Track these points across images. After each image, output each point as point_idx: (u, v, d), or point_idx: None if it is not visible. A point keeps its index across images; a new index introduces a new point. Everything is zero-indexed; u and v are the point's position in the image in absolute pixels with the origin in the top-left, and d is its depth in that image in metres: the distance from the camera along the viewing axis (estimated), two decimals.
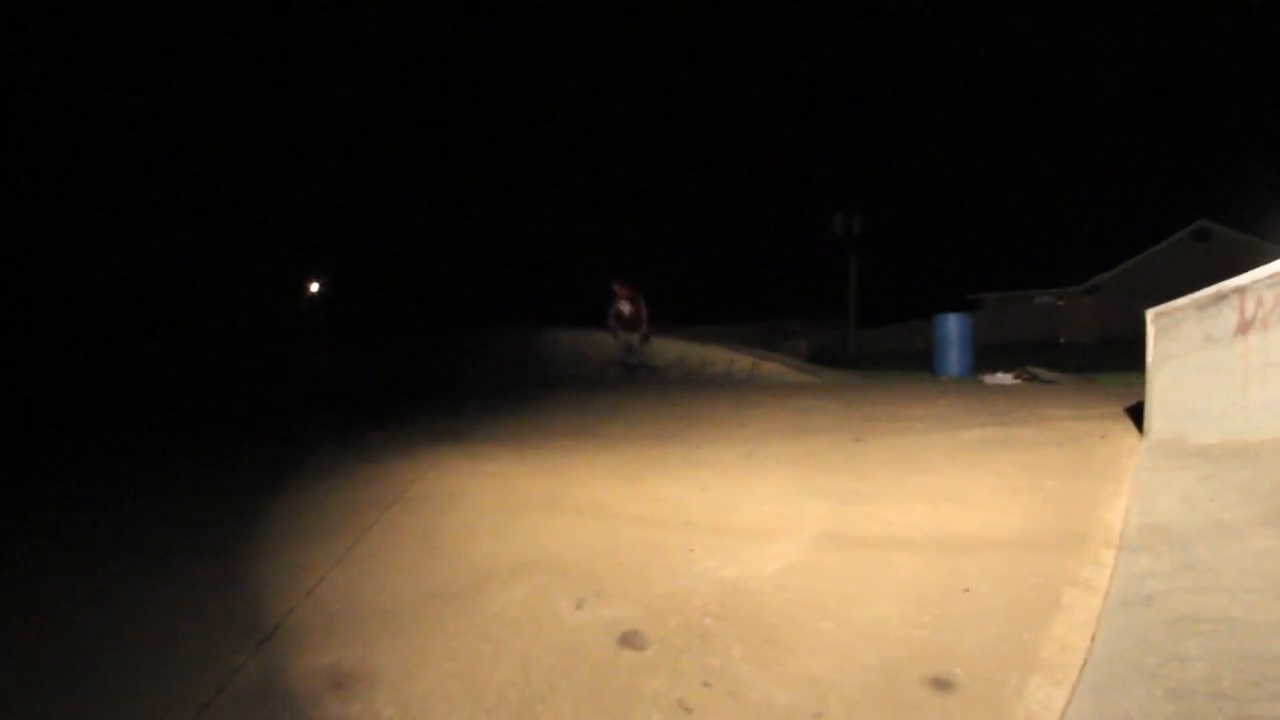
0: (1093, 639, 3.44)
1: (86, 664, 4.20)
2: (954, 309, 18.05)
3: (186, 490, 7.88)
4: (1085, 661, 3.27)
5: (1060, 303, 39.47)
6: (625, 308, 17.75)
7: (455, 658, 3.99)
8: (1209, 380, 6.70)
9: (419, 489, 7.10)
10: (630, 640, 3.96)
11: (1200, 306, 6.90)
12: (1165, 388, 6.98)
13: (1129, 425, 7.23)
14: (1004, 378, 13.86)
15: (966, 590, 4.08)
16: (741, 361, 16.89)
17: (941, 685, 3.24)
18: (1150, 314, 7.14)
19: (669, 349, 18.76)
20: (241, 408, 15.92)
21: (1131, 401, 7.70)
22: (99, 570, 5.58)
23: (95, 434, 12.63)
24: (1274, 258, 6.48)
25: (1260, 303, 6.50)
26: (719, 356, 17.49)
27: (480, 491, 6.95)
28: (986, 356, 18.39)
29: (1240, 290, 6.63)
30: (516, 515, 6.19)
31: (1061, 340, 36.72)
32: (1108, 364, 16.34)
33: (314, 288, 38.32)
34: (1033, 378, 13.64)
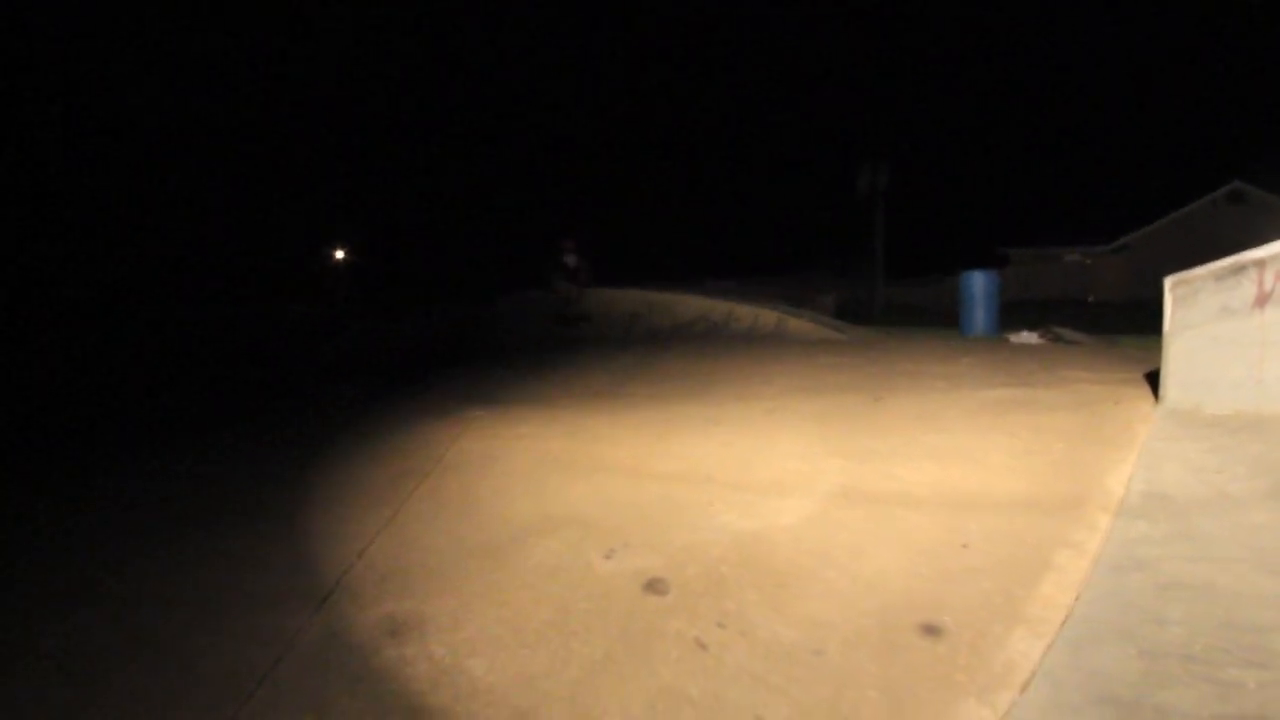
0: (1077, 598, 3.69)
1: (162, 633, 4.48)
2: (982, 265, 18.01)
3: (232, 466, 8.17)
4: (1067, 618, 3.52)
5: (1089, 261, 38.92)
6: (570, 260, 19.23)
7: (498, 604, 4.35)
8: (1225, 351, 6.83)
9: (456, 454, 7.44)
10: (654, 586, 4.30)
11: (1218, 277, 7.00)
12: (1181, 357, 7.11)
13: (1146, 391, 7.41)
14: (1029, 337, 13.97)
15: (965, 546, 4.36)
16: (766, 317, 16.95)
17: (931, 631, 3.54)
18: (1168, 282, 7.24)
19: (692, 305, 18.96)
20: (276, 380, 16.27)
21: (1151, 367, 7.82)
22: (158, 546, 5.87)
23: (129, 413, 12.92)
24: None
25: (1273, 275, 6.62)
26: (744, 313, 17.56)
27: (514, 454, 7.27)
28: (1014, 314, 18.41)
29: (1259, 263, 6.72)
30: (549, 475, 6.51)
31: (1090, 299, 36.31)
32: (1134, 326, 16.30)
33: (339, 255, 38.21)
34: (1057, 338, 13.74)
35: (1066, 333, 14.03)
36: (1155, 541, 4.20)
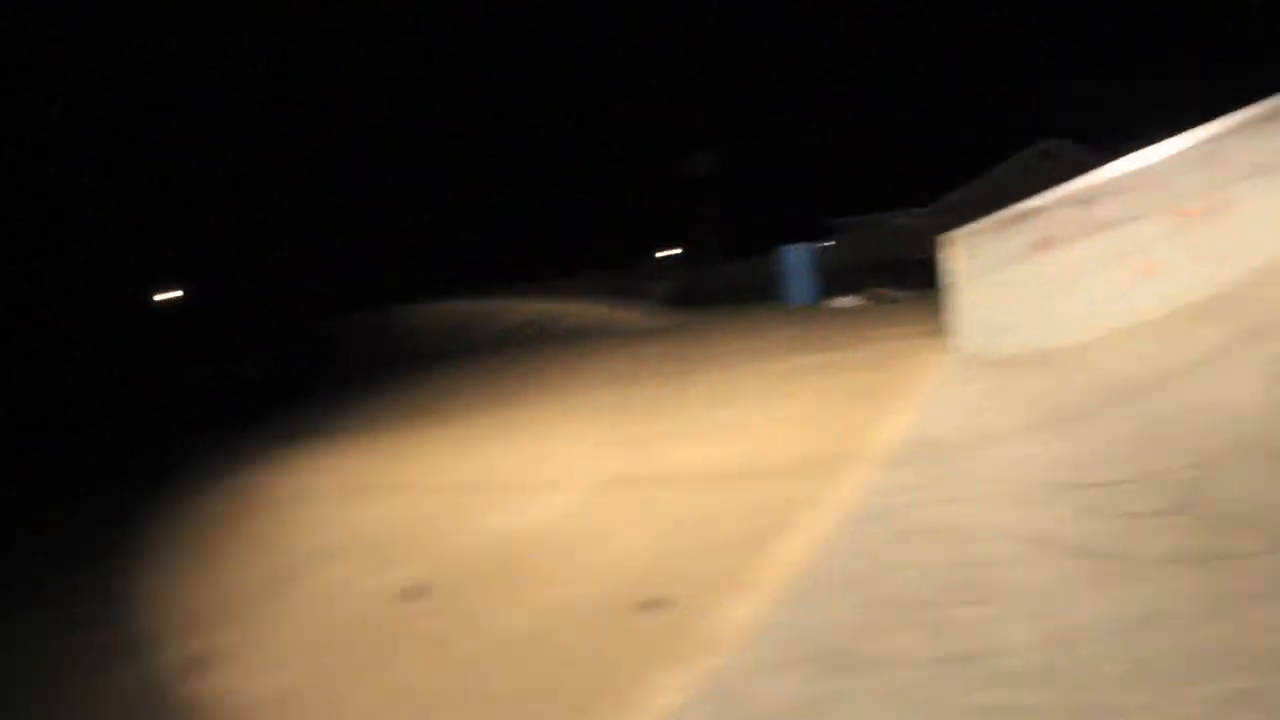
0: (814, 556, 3.68)
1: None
2: (816, 236, 18.45)
3: (56, 536, 7.96)
4: (798, 577, 3.50)
5: (915, 223, 39.99)
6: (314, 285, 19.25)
7: (281, 629, 4.46)
8: (1011, 295, 7.08)
9: (271, 492, 7.49)
10: (413, 594, 4.36)
11: (1001, 227, 7.26)
12: (970, 304, 7.33)
13: (945, 341, 7.59)
14: (848, 301, 14.42)
15: (714, 519, 4.41)
16: (592, 313, 16.97)
17: (655, 606, 3.53)
18: (954, 234, 7.48)
19: (519, 310, 18.79)
20: (92, 436, 15.75)
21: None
22: None
23: None
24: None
25: (1057, 222, 6.90)
26: (571, 311, 17.55)
27: (320, 487, 7.31)
28: (845, 280, 18.76)
29: (1038, 211, 7.03)
30: (346, 503, 6.58)
31: (920, 259, 37.28)
32: None
33: (166, 295, 35.89)
34: (878, 298, 14.13)
35: (888, 293, 14.42)
36: (909, 489, 4.27)
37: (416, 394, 11.75)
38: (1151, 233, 6.63)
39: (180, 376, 22.33)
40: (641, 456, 5.86)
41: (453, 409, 9.56)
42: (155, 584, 5.72)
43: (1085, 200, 6.86)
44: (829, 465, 4.83)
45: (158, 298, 33.14)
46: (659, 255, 37.72)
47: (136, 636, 4.81)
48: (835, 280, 16.83)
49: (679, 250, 37.60)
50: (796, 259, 16.26)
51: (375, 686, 3.53)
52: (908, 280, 17.62)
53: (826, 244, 27.33)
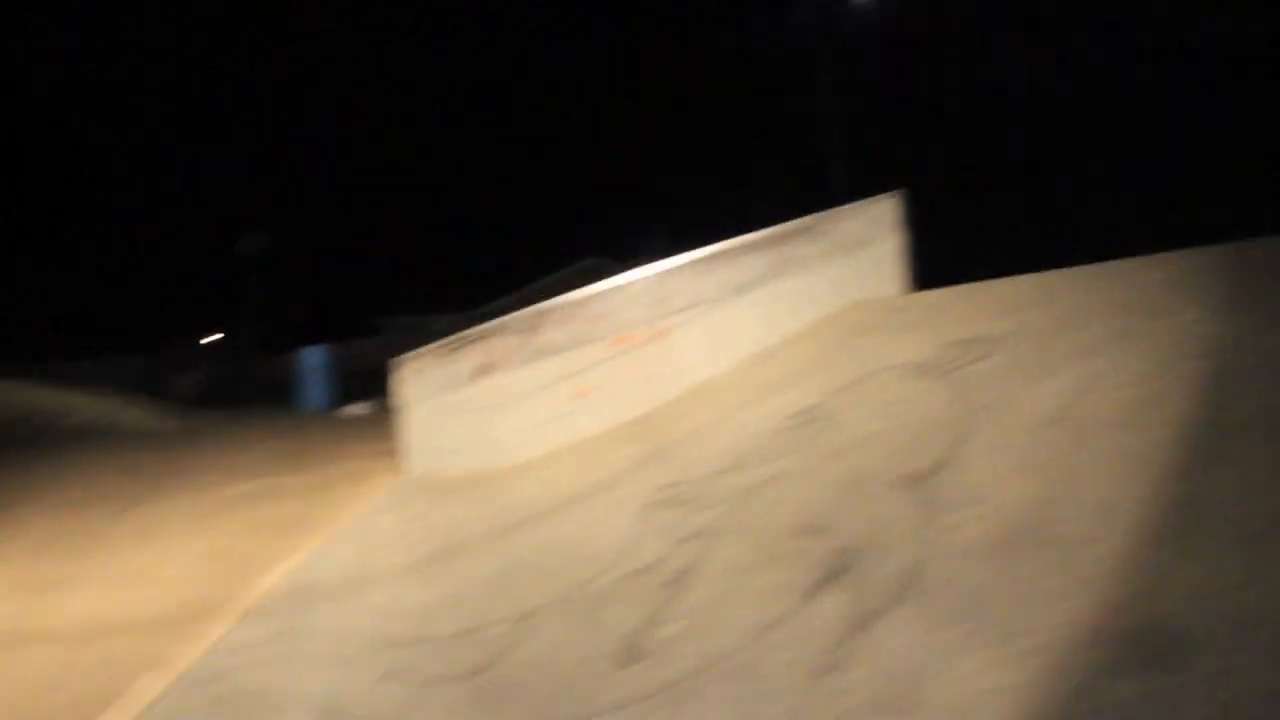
0: None
1: None
2: (360, 333, 18.40)
3: None
4: None
5: (453, 327, 40.53)
6: None
7: None
8: (458, 417, 7.65)
9: None
10: None
11: (446, 352, 7.84)
12: (418, 427, 7.83)
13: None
14: (357, 409, 14.93)
15: (59, 684, 4.40)
16: (103, 410, 15.52)
17: None
18: (400, 359, 7.97)
19: (24, 397, 16.71)
20: None
21: None
22: None
23: None
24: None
25: (499, 348, 7.54)
26: (79, 406, 15.80)
27: None
28: (372, 382, 18.93)
29: (480, 337, 7.67)
30: None
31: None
32: None
33: None
34: (387, 407, 14.45)
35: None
36: (255, 645, 4.53)
37: None
38: (591, 358, 7.47)
39: None
40: (33, 608, 5.66)
41: None
42: None
43: (530, 328, 7.57)
44: (197, 617, 4.99)
45: None
46: (202, 340, 35.73)
47: None
48: (363, 382, 16.87)
49: (221, 335, 35.86)
50: (313, 362, 16.34)
51: None
52: None
53: (368, 341, 27.38)
